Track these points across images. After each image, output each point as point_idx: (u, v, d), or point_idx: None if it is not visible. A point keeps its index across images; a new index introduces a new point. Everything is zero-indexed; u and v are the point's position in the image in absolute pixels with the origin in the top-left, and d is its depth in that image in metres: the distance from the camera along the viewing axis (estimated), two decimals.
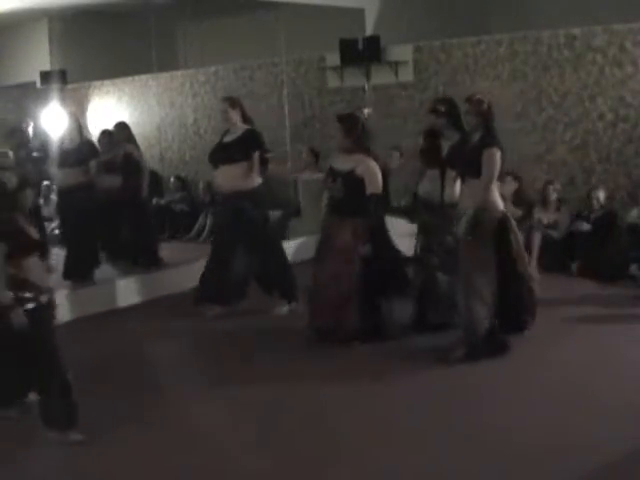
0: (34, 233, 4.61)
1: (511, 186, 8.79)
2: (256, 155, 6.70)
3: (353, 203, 5.81)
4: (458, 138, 5.90)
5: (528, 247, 8.50)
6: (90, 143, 8.58)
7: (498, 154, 5.45)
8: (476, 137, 5.56)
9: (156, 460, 4.32)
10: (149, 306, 7.55)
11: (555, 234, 8.43)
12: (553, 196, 8.50)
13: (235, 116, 6.76)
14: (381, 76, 10.00)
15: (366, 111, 6.89)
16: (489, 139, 5.52)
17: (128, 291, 7.62)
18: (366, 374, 5.44)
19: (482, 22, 11.20)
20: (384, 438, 4.47)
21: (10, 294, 4.35)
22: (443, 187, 5.96)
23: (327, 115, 9.81)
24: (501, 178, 5.98)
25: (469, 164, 5.54)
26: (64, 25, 12.52)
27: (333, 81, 10.38)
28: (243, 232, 6.78)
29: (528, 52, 8.96)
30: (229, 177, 6.71)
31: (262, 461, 4.25)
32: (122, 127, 8.62)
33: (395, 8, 10.41)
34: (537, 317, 6.65)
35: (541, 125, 8.96)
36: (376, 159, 6.09)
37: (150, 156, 11.00)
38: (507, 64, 9.12)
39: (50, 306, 4.56)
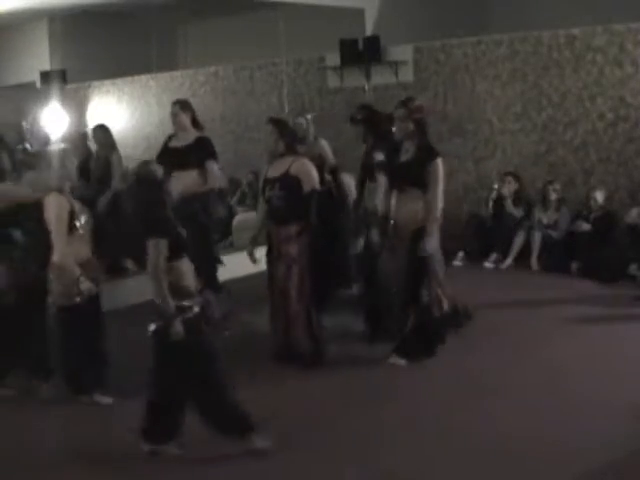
0: (182, 231, 4.31)
1: (511, 186, 8.81)
2: (212, 165, 6.45)
3: (295, 206, 5.56)
4: (372, 145, 5.89)
5: (528, 247, 8.56)
6: None
7: (441, 165, 5.40)
8: (410, 145, 5.45)
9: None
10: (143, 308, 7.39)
11: (555, 234, 8.44)
12: (553, 196, 8.50)
13: (185, 120, 6.56)
14: (381, 76, 10.00)
15: (309, 116, 6.76)
16: (431, 149, 5.45)
17: (119, 294, 7.36)
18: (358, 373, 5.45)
19: (482, 22, 11.19)
20: (381, 438, 4.48)
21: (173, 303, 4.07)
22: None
23: (327, 115, 9.80)
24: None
25: (409, 174, 5.43)
26: (64, 25, 12.52)
27: (333, 81, 10.38)
28: (192, 236, 6.58)
29: (528, 52, 8.95)
30: (179, 183, 6.26)
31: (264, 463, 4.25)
32: (104, 130, 8.44)
33: (395, 8, 10.41)
34: (536, 317, 6.69)
35: (541, 125, 8.96)
36: (321, 160, 6.07)
37: (150, 156, 10.98)
38: (507, 64, 9.12)
39: (204, 315, 4.25)
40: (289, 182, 5.59)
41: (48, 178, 4.84)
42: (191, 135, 6.54)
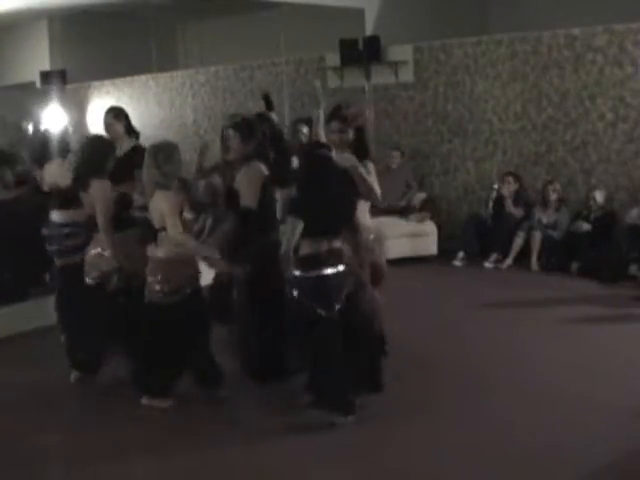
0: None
1: (511, 186, 8.81)
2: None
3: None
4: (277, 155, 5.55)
5: (528, 247, 8.56)
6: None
7: (372, 167, 5.00)
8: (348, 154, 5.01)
9: None
10: None
11: (555, 234, 8.44)
12: (553, 196, 8.50)
13: (120, 129, 6.08)
14: (381, 76, 10.00)
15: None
16: (364, 152, 5.02)
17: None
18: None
19: (482, 22, 11.19)
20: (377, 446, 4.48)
21: None
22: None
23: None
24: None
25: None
26: (64, 25, 12.52)
27: (333, 81, 10.37)
28: None
29: (528, 52, 8.95)
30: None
31: None
32: None
33: (395, 8, 10.40)
34: (536, 318, 6.69)
35: (541, 125, 8.96)
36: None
37: None
38: (507, 64, 9.12)
39: None
40: (231, 196, 5.33)
41: (156, 174, 4.82)
42: (126, 144, 6.14)
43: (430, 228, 9.13)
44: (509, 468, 4.07)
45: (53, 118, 11.68)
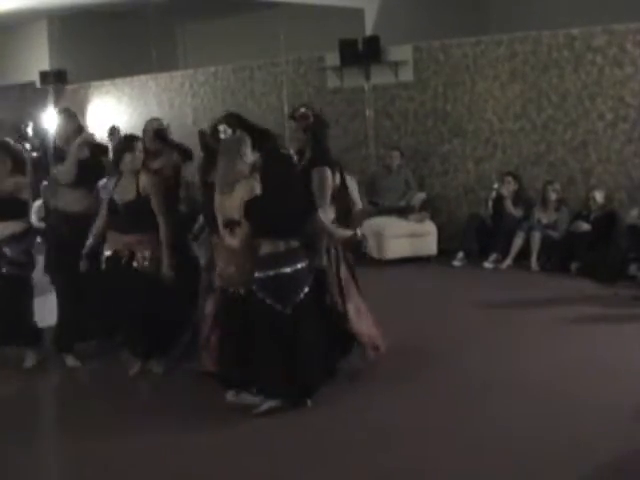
0: None
1: (511, 186, 8.81)
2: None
3: None
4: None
5: (528, 247, 8.56)
6: None
7: (328, 173, 4.99)
8: (307, 155, 5.10)
9: None
10: None
11: (554, 234, 8.44)
12: (553, 196, 8.50)
13: (74, 128, 6.06)
14: (381, 76, 9.99)
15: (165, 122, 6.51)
16: (321, 158, 5.06)
17: None
18: None
19: (481, 22, 11.21)
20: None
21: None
22: None
23: (327, 115, 9.78)
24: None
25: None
26: (64, 25, 12.54)
27: (333, 81, 10.38)
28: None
29: (528, 52, 8.95)
30: (80, 199, 5.87)
31: None
32: None
33: (395, 8, 10.41)
34: (535, 318, 6.68)
35: (541, 125, 8.95)
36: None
37: None
38: (507, 64, 9.11)
39: None
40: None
41: (242, 163, 4.76)
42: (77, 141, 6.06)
43: (430, 228, 9.13)
44: (508, 468, 4.06)
45: (52, 118, 11.69)
